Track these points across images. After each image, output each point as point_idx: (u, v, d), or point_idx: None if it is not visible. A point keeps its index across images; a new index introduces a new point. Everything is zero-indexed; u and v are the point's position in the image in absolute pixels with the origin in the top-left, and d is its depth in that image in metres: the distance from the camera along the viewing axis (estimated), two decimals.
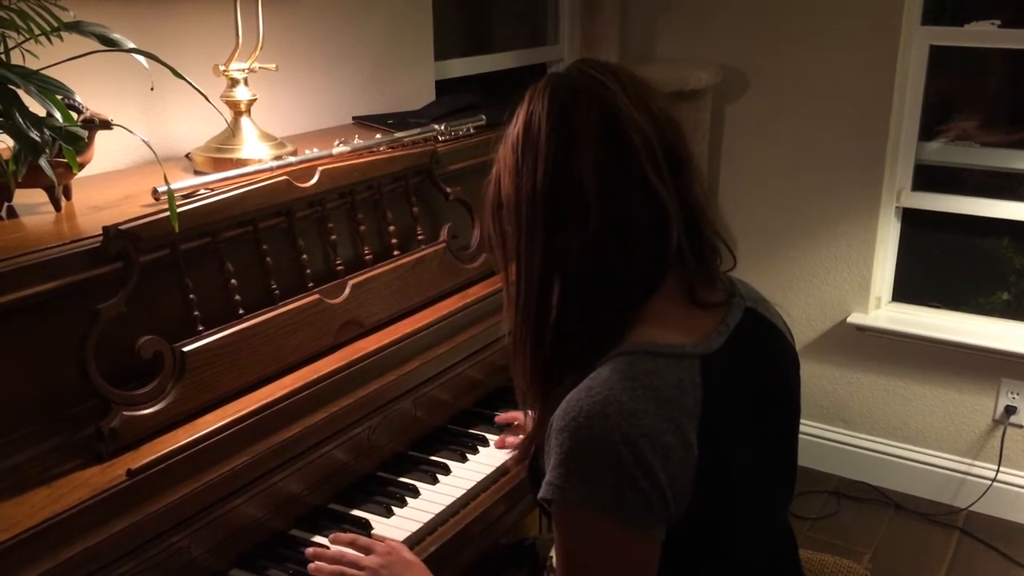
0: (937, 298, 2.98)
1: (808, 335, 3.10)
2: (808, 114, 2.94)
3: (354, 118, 2.13)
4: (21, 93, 1.04)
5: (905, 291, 3.03)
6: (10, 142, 1.10)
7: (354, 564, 1.25)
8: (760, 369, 1.14)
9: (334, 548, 1.30)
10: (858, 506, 2.97)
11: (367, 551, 1.27)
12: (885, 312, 3.02)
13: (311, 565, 1.25)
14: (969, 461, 2.93)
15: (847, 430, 3.12)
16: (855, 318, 2.99)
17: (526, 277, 1.09)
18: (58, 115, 1.05)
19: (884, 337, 2.96)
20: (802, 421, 3.26)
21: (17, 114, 0.99)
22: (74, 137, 1.09)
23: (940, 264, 3.00)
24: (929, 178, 2.91)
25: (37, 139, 1.01)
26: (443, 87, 2.48)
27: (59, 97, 1.08)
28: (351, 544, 1.30)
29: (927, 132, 2.89)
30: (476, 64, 2.74)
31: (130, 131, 1.18)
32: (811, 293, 3.07)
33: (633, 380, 0.99)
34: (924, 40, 2.78)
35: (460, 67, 2.65)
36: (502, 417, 1.66)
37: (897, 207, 2.93)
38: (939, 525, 2.86)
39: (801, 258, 3.06)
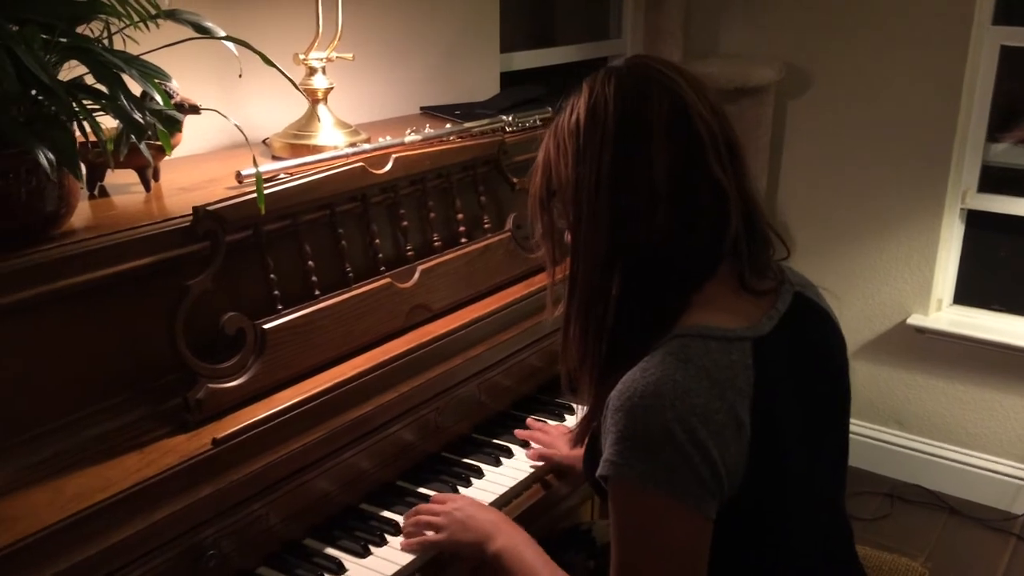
0: (1000, 301, 2.94)
1: (866, 335, 3.08)
2: (872, 112, 2.91)
3: (422, 108, 2.17)
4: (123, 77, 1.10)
5: (967, 294, 2.99)
6: (110, 123, 1.16)
7: (430, 512, 1.33)
8: (811, 351, 1.16)
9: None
10: (912, 509, 2.95)
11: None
12: (946, 314, 2.99)
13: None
14: None
15: (902, 432, 3.09)
16: (915, 319, 2.96)
17: (586, 264, 1.10)
18: (158, 98, 1.10)
19: (944, 340, 2.92)
20: (857, 422, 3.21)
21: (123, 96, 1.04)
22: (171, 120, 1.14)
23: (1004, 267, 2.95)
24: (995, 180, 2.87)
25: (140, 121, 1.06)
26: (505, 79, 2.51)
27: (156, 81, 1.13)
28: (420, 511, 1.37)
29: (994, 133, 2.85)
30: (540, 57, 2.77)
31: (224, 116, 1.23)
32: (870, 293, 3.05)
33: (686, 361, 1.02)
34: (995, 40, 2.74)
35: (524, 60, 2.67)
36: (523, 433, 1.63)
37: (962, 208, 2.90)
38: (995, 531, 2.83)
39: (861, 257, 3.04)
